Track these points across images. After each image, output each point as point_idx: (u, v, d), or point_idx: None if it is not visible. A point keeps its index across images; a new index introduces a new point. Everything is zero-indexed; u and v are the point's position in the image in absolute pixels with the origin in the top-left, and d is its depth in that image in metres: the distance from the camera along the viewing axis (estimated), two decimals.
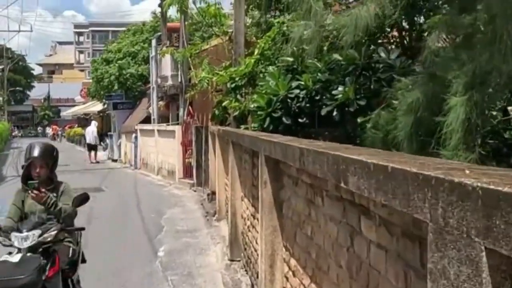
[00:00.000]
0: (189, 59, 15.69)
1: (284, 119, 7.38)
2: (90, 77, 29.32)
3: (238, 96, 10.60)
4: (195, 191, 13.86)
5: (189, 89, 14.42)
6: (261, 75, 10.29)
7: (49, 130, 55.66)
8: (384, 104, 5.37)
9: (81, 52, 78.47)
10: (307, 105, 7.03)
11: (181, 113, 16.78)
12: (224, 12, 13.48)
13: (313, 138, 7.00)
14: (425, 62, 4.32)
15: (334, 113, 6.44)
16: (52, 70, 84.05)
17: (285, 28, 10.07)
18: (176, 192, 14.01)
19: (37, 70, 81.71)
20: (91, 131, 23.73)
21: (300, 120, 7.54)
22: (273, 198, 4.06)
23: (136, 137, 20.36)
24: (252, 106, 8.21)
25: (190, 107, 15.52)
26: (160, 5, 19.40)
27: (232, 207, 6.94)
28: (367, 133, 5.49)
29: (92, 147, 23.49)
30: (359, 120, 5.88)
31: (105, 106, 28.21)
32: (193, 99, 15.93)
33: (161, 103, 19.55)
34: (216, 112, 13.08)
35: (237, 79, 10.42)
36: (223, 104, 10.94)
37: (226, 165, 9.60)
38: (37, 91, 69.45)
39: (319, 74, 7.07)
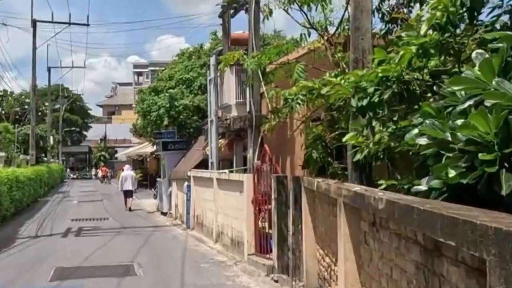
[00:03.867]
0: (260, 76, 10.66)
1: None
2: (136, 111, 24.74)
3: (375, 124, 5.52)
4: (276, 281, 8.60)
5: (267, 119, 9.39)
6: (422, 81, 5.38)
7: (98, 172, 53.60)
8: None
9: None
10: None
11: (250, 155, 11.74)
12: None
13: None
14: None
15: None
16: (112, 111, 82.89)
17: None
18: (245, 281, 8.76)
19: (98, 112, 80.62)
20: (130, 176, 21.32)
21: None
22: None
23: (188, 187, 15.48)
24: (421, 141, 3.73)
25: (265, 147, 10.41)
26: (221, 16, 14.86)
27: None
28: None
29: (130, 194, 21.21)
30: None
31: (154, 146, 23.70)
32: (264, 135, 10.90)
33: (222, 141, 14.53)
34: (314, 154, 8.13)
35: (369, 89, 5.29)
36: (342, 140, 5.95)
37: (361, 268, 4.34)
38: (95, 132, 67.45)
39: None
